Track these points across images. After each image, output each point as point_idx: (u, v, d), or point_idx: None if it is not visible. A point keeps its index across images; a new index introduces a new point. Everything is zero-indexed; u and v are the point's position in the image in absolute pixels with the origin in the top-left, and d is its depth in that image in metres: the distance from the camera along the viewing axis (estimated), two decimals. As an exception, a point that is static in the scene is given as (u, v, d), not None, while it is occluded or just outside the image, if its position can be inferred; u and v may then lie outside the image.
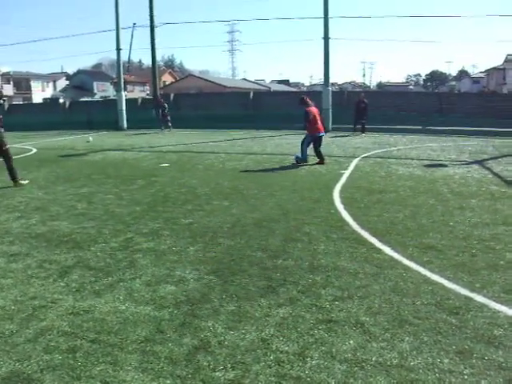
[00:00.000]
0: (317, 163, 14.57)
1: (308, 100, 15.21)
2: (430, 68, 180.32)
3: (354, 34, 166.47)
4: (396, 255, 6.20)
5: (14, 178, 12.04)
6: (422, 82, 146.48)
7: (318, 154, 14.83)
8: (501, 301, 4.84)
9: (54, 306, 4.99)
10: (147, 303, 4.97)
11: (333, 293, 5.07)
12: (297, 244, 6.72)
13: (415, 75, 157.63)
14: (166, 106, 30.21)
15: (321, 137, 14.88)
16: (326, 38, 28.08)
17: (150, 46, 35.19)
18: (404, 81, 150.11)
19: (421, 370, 3.66)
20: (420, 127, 27.23)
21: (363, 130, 25.88)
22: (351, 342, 4.08)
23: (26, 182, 12.33)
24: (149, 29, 34.70)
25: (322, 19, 28.13)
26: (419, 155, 16.88)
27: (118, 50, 33.90)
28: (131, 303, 4.99)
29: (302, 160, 14.68)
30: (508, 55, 75.80)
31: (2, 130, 12.15)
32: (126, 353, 4.03)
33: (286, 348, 4.01)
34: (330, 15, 28.20)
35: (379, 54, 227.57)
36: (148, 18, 34.72)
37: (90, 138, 25.63)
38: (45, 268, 6.12)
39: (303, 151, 14.72)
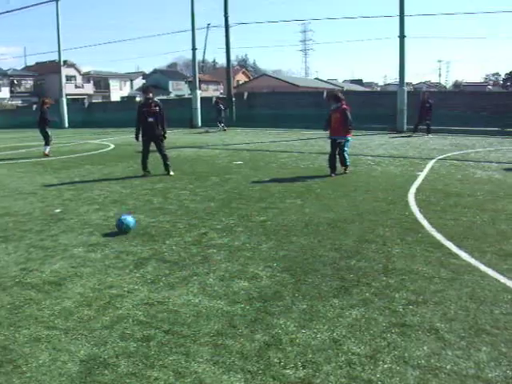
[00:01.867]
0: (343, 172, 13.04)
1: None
2: (511, 67, 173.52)
3: (429, 31, 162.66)
4: (473, 261, 6.00)
5: None
6: (501, 82, 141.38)
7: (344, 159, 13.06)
8: None
9: (129, 296, 5.14)
10: (220, 298, 5.04)
11: (407, 296, 4.98)
12: (371, 245, 6.63)
13: (494, 74, 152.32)
14: (221, 106, 30.76)
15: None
16: (402, 37, 27.42)
17: (224, 46, 35.65)
18: (482, 80, 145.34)
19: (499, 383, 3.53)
20: (499, 129, 26.29)
21: (428, 131, 25.32)
22: (425, 347, 3.99)
23: None
24: (223, 29, 35.12)
25: (398, 17, 27.56)
26: (498, 158, 16.31)
27: (194, 49, 34.46)
28: (204, 297, 5.07)
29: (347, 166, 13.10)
30: None
31: None
32: (198, 345, 4.10)
33: (358, 350, 3.97)
34: (405, 13, 27.61)
35: (456, 53, 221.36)
36: (223, 18, 35.11)
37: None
38: (121, 259, 6.32)
39: (346, 156, 13.05)
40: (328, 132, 13.27)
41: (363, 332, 4.26)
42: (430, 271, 5.67)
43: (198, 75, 36.09)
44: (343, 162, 13.01)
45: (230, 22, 35.20)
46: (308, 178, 12.31)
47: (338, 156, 12.95)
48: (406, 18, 27.47)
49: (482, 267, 5.80)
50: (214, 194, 10.26)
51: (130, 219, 7.63)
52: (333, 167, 12.87)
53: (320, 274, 5.63)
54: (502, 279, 5.44)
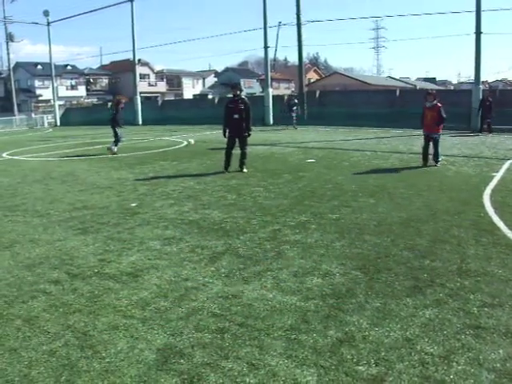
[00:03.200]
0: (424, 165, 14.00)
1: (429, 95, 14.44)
2: None
3: (506, 27, 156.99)
4: (551, 265, 5.87)
5: None
6: None
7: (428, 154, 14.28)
8: None
9: (204, 289, 5.31)
10: (294, 293, 5.13)
11: (482, 298, 4.92)
12: (445, 246, 6.56)
13: None
14: (293, 103, 30.78)
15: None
16: (478, 33, 26.59)
17: (295, 44, 35.67)
18: None
19: None
20: None
21: (490, 130, 24.65)
22: (500, 351, 3.94)
23: None
24: (294, 27, 35.16)
25: (474, 13, 26.80)
26: None
27: (266, 48, 34.73)
28: (278, 292, 5.17)
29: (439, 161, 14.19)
30: None
31: None
32: (271, 338, 4.20)
33: (431, 350, 3.97)
34: (482, 8, 26.82)
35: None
36: (294, 16, 35.13)
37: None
38: (196, 253, 6.51)
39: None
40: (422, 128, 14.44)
41: (437, 332, 4.26)
42: (507, 274, 5.57)
43: (269, 73, 36.26)
44: (436, 156, 14.08)
45: (302, 19, 35.21)
46: (381, 177, 12.24)
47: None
48: (482, 13, 26.74)
49: (560, 271, 5.66)
50: (286, 192, 10.36)
51: None
52: (426, 159, 14.04)
53: (393, 272, 5.64)
54: None
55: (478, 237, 6.96)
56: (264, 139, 23.57)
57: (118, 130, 18.92)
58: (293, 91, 76.79)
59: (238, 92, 13.41)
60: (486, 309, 4.70)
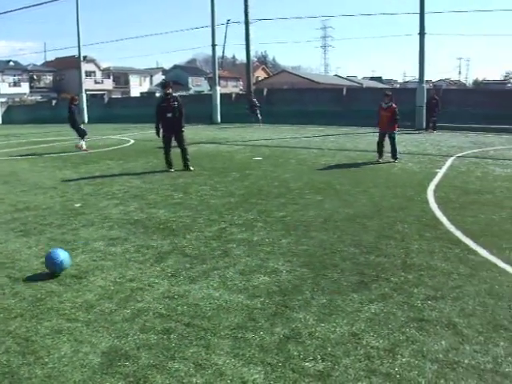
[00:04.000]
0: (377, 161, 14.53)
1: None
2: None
3: (450, 28, 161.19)
4: (491, 257, 6.01)
5: None
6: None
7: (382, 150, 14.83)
8: None
9: (150, 289, 5.23)
10: (240, 291, 5.11)
11: (425, 292, 5.01)
12: (389, 241, 6.66)
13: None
14: (255, 101, 30.53)
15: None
16: (422, 34, 27.30)
17: (243, 42, 35.75)
18: (502, 78, 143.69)
19: (516, 377, 3.56)
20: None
21: (434, 128, 25.37)
22: (443, 342, 4.02)
23: None
24: (242, 25, 35.23)
25: (418, 14, 27.42)
26: (519, 156, 16.23)
27: (213, 45, 34.66)
28: (225, 291, 5.14)
29: (397, 158, 14.61)
30: None
31: None
32: (218, 338, 4.17)
33: (377, 344, 4.01)
34: (426, 10, 27.46)
35: (476, 50, 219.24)
36: (243, 14, 35.19)
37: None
38: (142, 253, 6.41)
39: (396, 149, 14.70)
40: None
41: (382, 326, 4.31)
42: (449, 267, 5.70)
43: (217, 72, 36.20)
44: (394, 154, 14.54)
45: (250, 17, 35.28)
46: (327, 174, 12.37)
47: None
48: (426, 15, 27.38)
49: (501, 264, 5.81)
50: (233, 190, 10.33)
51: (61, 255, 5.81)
52: (380, 154, 14.68)
53: (339, 268, 5.68)
54: (521, 276, 5.46)
55: (421, 232, 7.09)
56: (212, 137, 23.53)
57: (82, 125, 18.79)
58: (241, 89, 76.89)
59: (170, 90, 13.30)
60: (429, 302, 4.78)
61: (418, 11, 27.55)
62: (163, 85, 14.63)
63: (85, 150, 18.59)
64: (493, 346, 3.97)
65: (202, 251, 6.43)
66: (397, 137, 14.71)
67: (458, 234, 7.00)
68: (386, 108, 14.45)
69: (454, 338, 4.09)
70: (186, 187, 10.72)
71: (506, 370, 3.64)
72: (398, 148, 14.58)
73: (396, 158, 14.46)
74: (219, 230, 7.39)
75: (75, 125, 18.82)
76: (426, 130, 25.83)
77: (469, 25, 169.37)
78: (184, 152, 13.22)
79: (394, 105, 14.44)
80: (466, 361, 3.76)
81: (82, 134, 18.92)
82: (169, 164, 13.26)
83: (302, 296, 4.96)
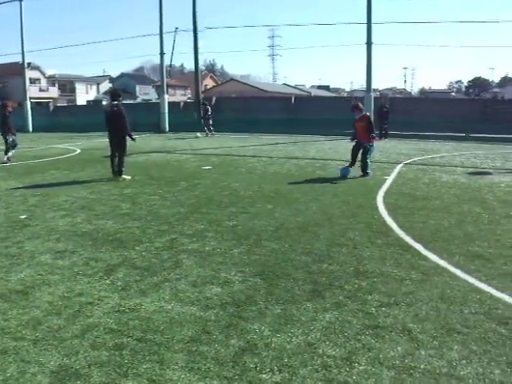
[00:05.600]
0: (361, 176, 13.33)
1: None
2: (473, 75, 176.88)
3: (396, 38, 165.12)
4: (442, 262, 6.10)
5: None
6: (464, 89, 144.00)
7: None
8: (554, 313, 4.73)
9: (100, 304, 5.06)
10: (193, 303, 5.00)
11: (379, 299, 5.02)
12: (341, 249, 6.67)
13: (457, 82, 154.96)
14: (209, 109, 30.21)
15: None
16: (369, 44, 27.92)
17: (192, 51, 35.63)
18: (446, 87, 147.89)
19: (471, 380, 3.58)
20: (463, 134, 26.86)
21: (386, 135, 25.86)
22: (399, 348, 4.03)
23: None
24: (191, 33, 35.08)
25: (365, 25, 27.97)
26: (463, 162, 16.65)
27: (162, 54, 34.37)
28: (177, 303, 5.02)
29: (368, 172, 13.45)
30: (555, 62, 74.13)
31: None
32: (172, 352, 4.05)
33: (333, 353, 3.98)
34: (373, 20, 28.05)
35: (421, 60, 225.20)
36: (191, 22, 35.08)
37: (199, 134, 28.33)
38: (91, 266, 6.22)
39: (367, 163, 13.54)
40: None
41: (338, 335, 4.28)
42: (401, 273, 5.74)
43: (165, 80, 35.95)
44: (364, 168, 13.46)
45: (199, 26, 35.20)
46: (277, 182, 12.34)
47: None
48: (373, 25, 27.93)
49: (451, 268, 5.91)
50: (183, 200, 10.19)
51: None
52: (353, 160, 13.79)
53: (292, 278, 5.64)
54: (471, 279, 5.55)
55: (372, 239, 7.14)
56: (160, 146, 23.29)
57: (10, 138, 17.83)
58: (189, 98, 76.59)
59: (115, 99, 13.16)
60: (383, 308, 4.79)
61: (366, 22, 28.06)
62: (110, 93, 14.40)
63: (3, 163, 17.46)
64: (447, 349, 4.01)
65: (152, 263, 6.28)
66: (372, 151, 13.87)
67: (409, 239, 7.08)
68: (359, 118, 13.82)
69: (409, 344, 4.10)
70: (135, 197, 10.52)
71: (461, 373, 3.68)
72: (348, 155, 14.56)
73: (366, 174, 13.34)
74: (169, 240, 7.26)
75: (5, 133, 17.78)
76: (379, 138, 26.15)
77: (414, 35, 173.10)
78: (120, 160, 13.12)
79: (367, 113, 14.22)
80: (422, 366, 3.78)
81: (8, 148, 17.94)
82: (114, 172, 13.15)
83: (256, 306, 4.90)
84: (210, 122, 30.01)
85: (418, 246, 6.76)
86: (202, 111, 30.61)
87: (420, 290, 5.26)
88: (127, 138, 13.11)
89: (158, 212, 9.08)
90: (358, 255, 6.41)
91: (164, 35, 34.18)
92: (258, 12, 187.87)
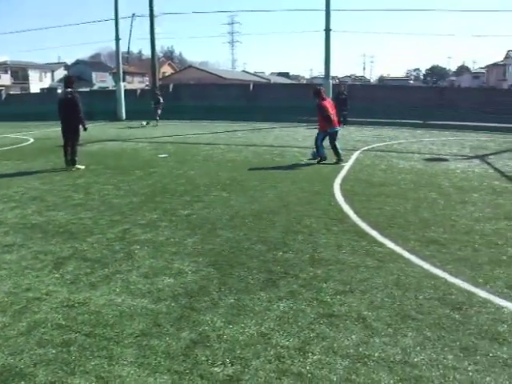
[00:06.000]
0: (335, 162, 13.24)
1: (323, 92, 13.87)
2: (431, 63, 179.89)
3: (355, 26, 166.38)
4: (397, 249, 6.10)
5: None
6: (422, 77, 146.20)
7: (334, 150, 13.50)
8: (504, 296, 4.75)
9: (48, 299, 4.86)
10: (144, 296, 4.86)
11: (334, 286, 4.97)
12: (297, 236, 6.61)
13: (415, 70, 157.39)
14: (161, 99, 29.61)
15: (334, 132, 13.48)
16: (328, 31, 28.00)
17: (149, 37, 34.99)
18: (404, 75, 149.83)
19: (424, 367, 3.57)
20: (421, 121, 27.20)
21: (345, 122, 25.97)
22: (353, 337, 3.98)
23: None
24: (148, 19, 34.50)
25: (324, 11, 27.95)
26: (420, 149, 16.79)
27: (117, 40, 33.67)
28: (128, 296, 4.87)
29: (318, 157, 13.43)
30: (509, 51, 75.84)
31: None
32: (121, 347, 3.92)
33: (287, 343, 3.90)
34: (331, 7, 28.10)
35: (380, 48, 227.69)
36: (148, 7, 34.51)
37: (143, 123, 28.01)
38: (40, 259, 5.99)
39: (318, 148, 13.41)
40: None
41: (291, 324, 4.20)
42: (357, 260, 5.70)
43: (121, 67, 35.30)
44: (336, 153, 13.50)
45: (156, 11, 34.69)
46: (234, 170, 12.23)
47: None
48: (332, 12, 27.97)
49: (406, 254, 5.90)
50: (137, 189, 9.98)
51: None
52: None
53: (246, 267, 5.54)
54: (425, 265, 5.56)
55: (329, 226, 7.09)
56: (116, 135, 22.86)
57: None
58: (147, 85, 75.66)
59: (69, 86, 12.79)
60: (338, 296, 4.74)
61: (324, 8, 28.06)
62: (64, 80, 14.00)
63: None
64: (401, 337, 3.98)
65: (103, 254, 6.10)
66: (320, 137, 13.47)
67: (365, 226, 7.06)
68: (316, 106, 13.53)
69: (363, 332, 4.06)
70: (88, 187, 10.26)
71: (415, 359, 3.67)
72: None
73: (314, 158, 13.46)
74: (122, 231, 7.07)
75: None
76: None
77: (374, 23, 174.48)
78: (72, 150, 12.80)
79: (317, 101, 13.33)
80: (376, 354, 3.74)
81: None
82: (66, 161, 12.80)
83: (209, 297, 4.78)
84: (159, 111, 29.34)
85: (374, 233, 6.74)
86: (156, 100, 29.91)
87: (375, 276, 5.23)
88: (80, 126, 12.75)
89: (111, 202, 8.86)
90: (313, 242, 6.35)
91: (121, 21, 33.58)
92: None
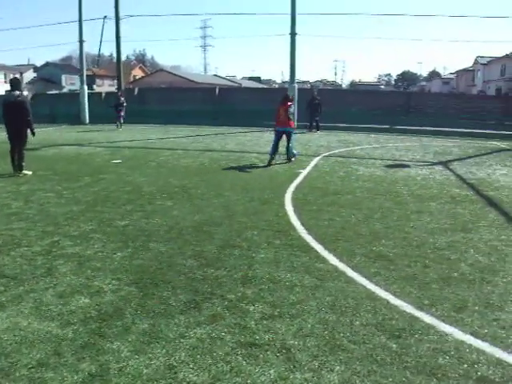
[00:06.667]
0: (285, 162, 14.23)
1: (285, 98, 14.58)
2: (402, 68, 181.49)
3: (326, 31, 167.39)
4: (341, 265, 5.66)
5: None
6: (393, 82, 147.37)
7: (286, 150, 14.46)
8: (450, 321, 4.33)
9: None
10: (53, 319, 4.36)
11: (262, 310, 4.50)
12: (234, 251, 6.13)
13: (386, 75, 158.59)
14: (123, 101, 29.00)
15: (280, 132, 14.22)
16: (293, 34, 27.77)
17: (121, 39, 34.49)
18: (375, 80, 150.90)
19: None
20: (388, 126, 27.07)
21: (318, 128, 25.82)
22: (271, 371, 3.52)
23: None
24: (124, 22, 34.00)
25: (289, 15, 27.72)
26: (383, 155, 16.53)
27: (81, 42, 33.11)
28: (35, 318, 4.37)
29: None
30: (477, 57, 77.02)
31: None
32: (10, 381, 3.43)
33: (195, 378, 3.45)
34: (299, 11, 28.11)
35: (351, 53, 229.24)
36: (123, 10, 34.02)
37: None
38: (-48, 275, 5.44)
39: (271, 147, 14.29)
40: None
41: (205, 355, 3.74)
42: (293, 279, 5.25)
43: (85, 69, 34.65)
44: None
45: (123, 14, 34.16)
46: (185, 176, 11.73)
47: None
48: (300, 16, 28.01)
49: (349, 272, 5.48)
50: (80, 197, 9.43)
51: None
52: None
53: (171, 286, 5.05)
54: (368, 284, 5.14)
55: (271, 239, 6.64)
56: (75, 139, 22.22)
57: None
58: (116, 88, 74.77)
59: (17, 88, 12.19)
60: (264, 321, 4.28)
61: (290, 12, 27.82)
62: (13, 82, 13.39)
63: None
64: (327, 372, 3.55)
65: (23, 270, 5.57)
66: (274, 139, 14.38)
67: (310, 239, 6.63)
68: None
69: (285, 366, 3.61)
70: (30, 195, 9.68)
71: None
72: (268, 147, 14.30)
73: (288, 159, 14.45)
74: (51, 243, 6.53)
75: None
76: (309, 130, 25.97)
77: (345, 28, 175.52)
78: (20, 155, 12.18)
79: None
80: (293, 393, 3.28)
81: None
82: (13, 166, 12.20)
83: (122, 321, 4.30)
84: (122, 113, 28.75)
85: (319, 247, 6.30)
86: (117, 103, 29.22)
87: (310, 298, 4.77)
88: (28, 130, 12.16)
89: (49, 211, 8.31)
90: (250, 258, 5.88)
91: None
92: (190, 1, 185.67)
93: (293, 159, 14.39)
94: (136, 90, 37.04)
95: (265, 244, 6.41)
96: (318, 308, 4.56)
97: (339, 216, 7.88)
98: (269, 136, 22.79)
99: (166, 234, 6.91)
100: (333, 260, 5.83)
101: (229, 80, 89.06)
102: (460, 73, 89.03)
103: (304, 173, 12.23)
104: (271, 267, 5.58)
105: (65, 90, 74.98)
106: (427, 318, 4.38)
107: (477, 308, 4.60)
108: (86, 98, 33.47)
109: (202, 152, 16.91)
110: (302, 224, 7.35)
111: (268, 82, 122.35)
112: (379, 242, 6.55)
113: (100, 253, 6.13)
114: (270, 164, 13.66)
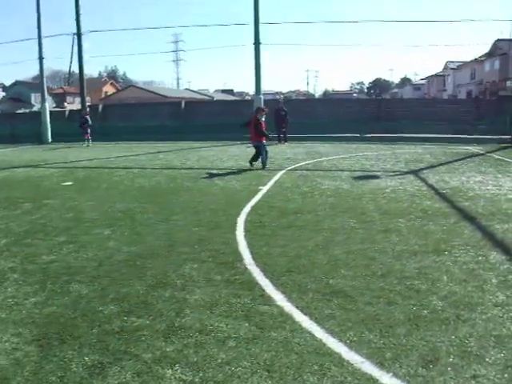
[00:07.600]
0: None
1: (257, 110, 16.70)
2: (374, 76, 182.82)
3: (297, 40, 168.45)
4: (288, 306, 4.78)
5: None
6: (365, 90, 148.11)
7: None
8: (418, 382, 3.45)
9: None
10: None
11: (180, 376, 3.59)
12: (165, 292, 5.22)
13: (359, 83, 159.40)
14: (88, 119, 28.28)
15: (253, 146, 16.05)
16: (257, 44, 27.42)
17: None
18: (348, 89, 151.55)
19: None
20: (358, 135, 26.57)
21: (285, 139, 25.20)
22: None
23: None
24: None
25: (253, 25, 27.25)
26: (351, 166, 15.90)
27: (41, 58, 32.34)
28: None
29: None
30: (447, 62, 77.90)
31: None
32: None
33: None
34: (264, 21, 27.66)
35: (325, 63, 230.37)
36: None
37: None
38: None
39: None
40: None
41: None
42: (228, 328, 4.35)
43: (45, 86, 33.79)
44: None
45: (85, 29, 33.36)
46: (135, 199, 10.83)
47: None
48: (264, 25, 27.55)
49: (298, 315, 4.60)
50: (15, 227, 8.45)
51: None
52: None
53: (79, 342, 4.14)
54: (318, 332, 4.24)
55: (211, 274, 5.75)
56: (30, 160, 21.15)
57: None
58: (89, 105, 73.63)
59: None
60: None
61: (253, 21, 27.34)
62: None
63: None
64: None
65: None
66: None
67: (257, 272, 5.77)
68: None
69: None
70: (-42, 226, 8.72)
71: None
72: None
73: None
74: (-43, 287, 5.62)
75: None
76: (278, 142, 25.22)
77: (317, 37, 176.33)
78: None
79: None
80: None
81: None
82: None
83: (4, 399, 3.42)
84: (89, 130, 28.07)
85: (266, 282, 5.44)
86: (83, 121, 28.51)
87: (244, 356, 3.86)
88: None
89: (-29, 245, 7.37)
90: (182, 301, 4.97)
91: (42, 38, 31.99)
92: (159, 15, 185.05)
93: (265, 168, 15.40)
94: (100, 107, 36.07)
95: (203, 281, 5.52)
96: (251, 370, 3.65)
97: (295, 241, 7.07)
98: (234, 150, 22.15)
99: (93, 270, 5.99)
100: (280, 299, 4.97)
101: (201, 94, 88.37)
102: (431, 78, 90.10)
103: (263, 190, 11.42)
104: (204, 313, 4.69)
105: (35, 109, 73.66)
106: (386, 380, 3.50)
107: (451, 360, 3.72)
108: (48, 117, 32.45)
109: (160, 170, 16.07)
110: (252, 253, 6.50)
111: (241, 94, 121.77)
112: (337, 273, 5.72)
113: (10, 299, 5.21)
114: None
